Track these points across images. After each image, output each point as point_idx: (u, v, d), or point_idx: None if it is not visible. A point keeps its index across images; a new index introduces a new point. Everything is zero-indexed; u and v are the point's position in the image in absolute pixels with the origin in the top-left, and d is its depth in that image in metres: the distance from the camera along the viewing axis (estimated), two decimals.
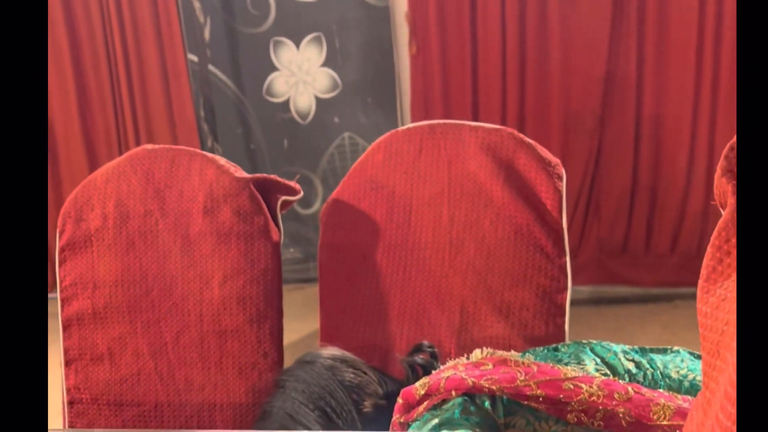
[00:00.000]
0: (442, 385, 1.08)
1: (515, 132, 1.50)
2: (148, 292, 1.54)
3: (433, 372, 1.17)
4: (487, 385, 1.04)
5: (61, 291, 1.56)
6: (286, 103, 3.69)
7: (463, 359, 1.15)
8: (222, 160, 1.56)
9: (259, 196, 1.53)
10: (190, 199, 1.53)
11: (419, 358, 1.33)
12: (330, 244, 1.59)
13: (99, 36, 3.71)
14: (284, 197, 1.56)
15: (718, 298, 0.78)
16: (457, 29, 3.35)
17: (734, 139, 0.74)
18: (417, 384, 1.12)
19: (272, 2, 3.53)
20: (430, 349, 1.35)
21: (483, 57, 3.37)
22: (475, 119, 3.43)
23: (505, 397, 1.06)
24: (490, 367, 1.10)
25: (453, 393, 1.07)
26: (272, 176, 1.56)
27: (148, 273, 1.54)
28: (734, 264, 0.76)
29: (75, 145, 3.83)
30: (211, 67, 3.64)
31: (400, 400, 1.14)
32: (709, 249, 0.80)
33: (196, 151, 1.57)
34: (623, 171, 3.37)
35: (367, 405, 1.25)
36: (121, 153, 3.81)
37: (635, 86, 3.27)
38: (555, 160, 1.50)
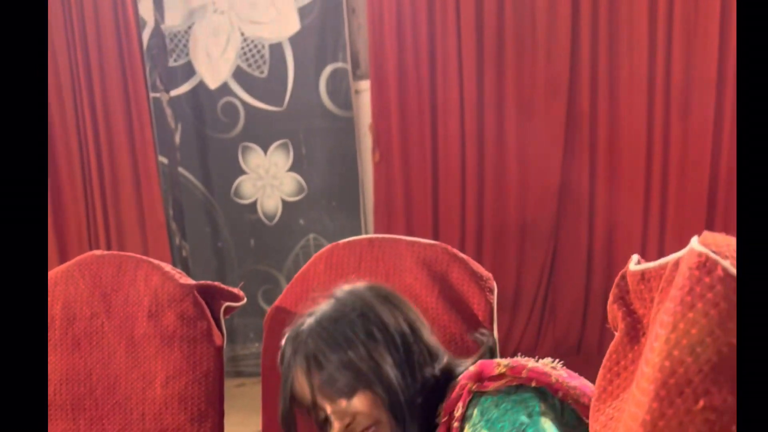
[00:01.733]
0: (525, 371, 1.12)
1: (449, 247, 1.59)
2: (92, 390, 1.59)
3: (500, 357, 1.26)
4: (569, 387, 1.10)
5: None
6: (254, 204, 3.80)
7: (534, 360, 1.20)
8: (167, 267, 1.63)
9: (203, 302, 1.60)
10: (136, 303, 1.59)
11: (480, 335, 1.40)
12: (273, 348, 1.64)
13: (73, 137, 3.85)
14: (227, 303, 1.62)
15: (606, 417, 0.84)
16: (419, 140, 3.50)
17: (626, 268, 0.81)
18: (499, 360, 1.17)
19: (241, 110, 3.68)
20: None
21: (443, 167, 3.51)
22: (435, 226, 3.55)
23: (570, 407, 1.10)
24: (564, 375, 1.14)
25: (533, 383, 1.11)
26: (216, 283, 1.63)
27: (92, 372, 1.59)
28: (623, 384, 0.82)
29: (48, 241, 3.90)
30: (181, 169, 3.76)
31: (472, 368, 1.18)
32: (600, 370, 0.86)
33: (143, 258, 1.64)
34: (577, 276, 3.48)
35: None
36: (91, 250, 3.91)
37: (588, 198, 3.42)
38: (487, 274, 1.58)
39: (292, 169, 3.71)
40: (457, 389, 1.17)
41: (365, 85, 3.57)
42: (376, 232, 3.66)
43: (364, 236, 1.63)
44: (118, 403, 1.58)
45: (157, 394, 1.56)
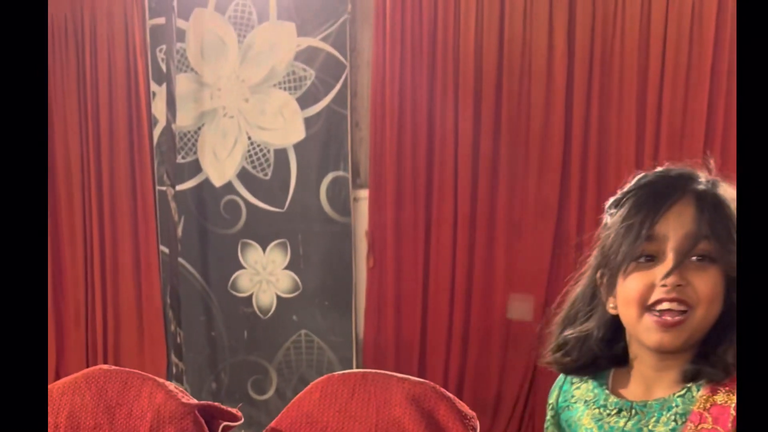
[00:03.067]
0: None
1: (437, 387, 1.71)
2: None
3: None
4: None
5: None
6: (249, 298, 3.92)
7: None
8: (171, 386, 1.74)
9: (203, 421, 1.70)
10: (138, 418, 1.69)
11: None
12: None
13: (78, 220, 4.02)
14: (226, 423, 1.72)
15: None
16: (412, 248, 3.64)
17: None
18: None
19: (243, 209, 3.83)
20: None
21: (433, 276, 3.65)
22: (423, 332, 3.67)
23: None
24: None
25: None
26: (216, 404, 1.73)
27: None
28: None
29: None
30: (181, 260, 3.88)
31: None
32: None
33: (148, 376, 1.75)
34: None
35: None
36: (87, 330, 4.02)
37: None
38: (471, 413, 1.70)
39: (288, 267, 3.84)
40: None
41: (364, 194, 3.73)
42: (366, 333, 3.77)
43: (358, 370, 1.75)
44: None
45: None
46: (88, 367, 3.99)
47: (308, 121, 3.71)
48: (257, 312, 3.93)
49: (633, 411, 1.12)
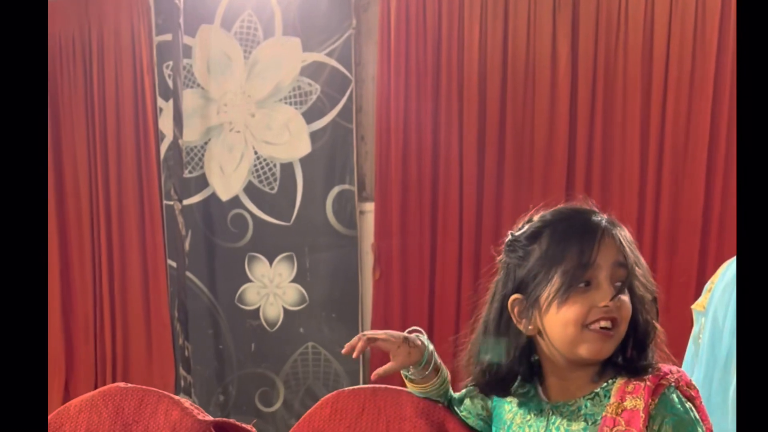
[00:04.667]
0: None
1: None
2: None
3: None
4: None
5: None
6: (257, 311, 3.95)
7: None
8: (187, 403, 1.76)
9: None
10: None
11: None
12: None
13: (86, 235, 4.05)
14: None
15: None
16: (418, 260, 3.68)
17: None
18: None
19: (250, 222, 3.87)
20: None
21: (439, 288, 3.68)
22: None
23: None
24: None
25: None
26: (231, 420, 1.76)
27: None
28: None
29: (53, 329, 4.04)
30: (188, 273, 3.91)
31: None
32: None
33: (164, 394, 1.78)
34: None
35: None
36: (96, 344, 4.05)
37: None
38: None
39: (295, 280, 3.87)
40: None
41: (370, 207, 3.76)
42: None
43: (367, 386, 1.76)
44: None
45: None
46: (96, 381, 4.05)
47: (314, 136, 3.75)
48: (264, 325, 3.96)
49: (550, 412, 1.30)
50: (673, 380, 1.22)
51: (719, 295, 1.92)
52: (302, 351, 3.94)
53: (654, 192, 3.41)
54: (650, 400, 1.19)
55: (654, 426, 1.18)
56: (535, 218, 1.32)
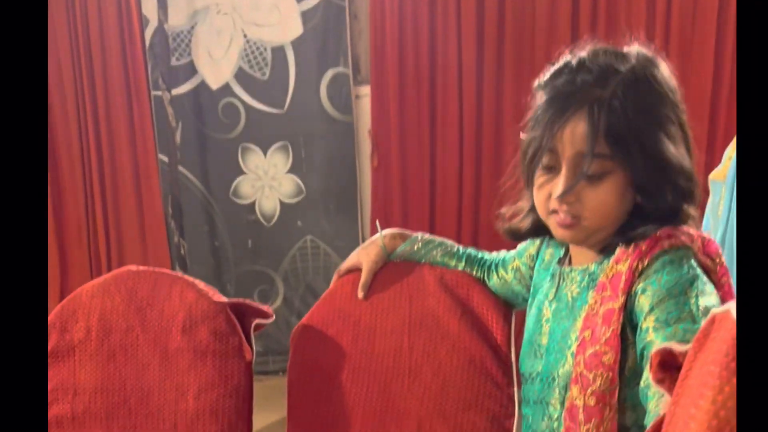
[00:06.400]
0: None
1: (469, 274, 1.66)
2: (126, 400, 1.64)
3: None
4: None
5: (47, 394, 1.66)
6: (252, 205, 3.85)
7: None
8: (201, 284, 1.68)
9: (235, 319, 1.65)
10: (170, 318, 1.64)
11: None
12: (299, 364, 1.71)
13: (74, 132, 3.88)
14: (257, 320, 1.68)
15: None
16: (417, 145, 3.56)
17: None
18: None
19: (242, 111, 3.72)
20: None
21: (441, 173, 3.58)
22: (432, 230, 3.61)
23: None
24: None
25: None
26: (247, 301, 1.68)
27: (126, 383, 1.64)
28: None
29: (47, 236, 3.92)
30: (180, 168, 3.79)
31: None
32: None
33: (178, 275, 1.69)
34: None
35: None
36: (90, 244, 3.95)
37: None
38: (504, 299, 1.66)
39: (291, 171, 3.76)
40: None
41: (365, 90, 3.62)
42: (372, 235, 3.71)
43: (389, 262, 1.69)
44: (150, 413, 1.63)
45: (190, 407, 1.62)
46: None
47: (305, 15, 3.57)
48: (261, 219, 3.86)
49: (561, 276, 1.26)
50: (679, 243, 1.09)
51: None
52: (300, 246, 3.86)
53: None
54: (637, 263, 1.09)
55: (634, 289, 1.08)
56: (560, 62, 1.15)
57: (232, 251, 3.93)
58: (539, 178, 1.16)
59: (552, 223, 1.17)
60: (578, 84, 1.09)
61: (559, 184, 1.11)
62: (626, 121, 1.06)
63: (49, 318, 1.69)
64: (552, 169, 1.13)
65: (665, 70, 1.12)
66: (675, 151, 1.09)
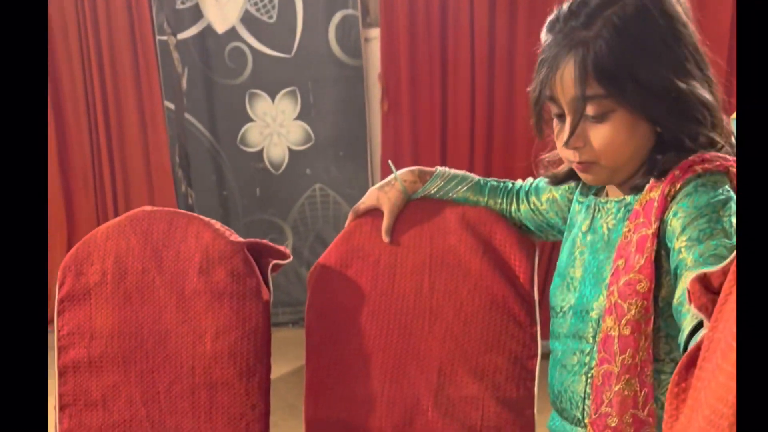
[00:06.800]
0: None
1: (492, 210, 1.62)
2: (143, 343, 1.62)
3: None
4: None
5: (59, 339, 1.64)
6: (260, 153, 3.80)
7: None
8: (218, 225, 1.65)
9: (252, 259, 1.62)
10: (187, 259, 1.61)
11: None
12: (317, 305, 1.69)
13: (78, 79, 3.82)
14: (275, 261, 1.65)
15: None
16: (428, 90, 3.50)
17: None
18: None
19: (249, 56, 3.65)
20: None
21: (452, 116, 3.52)
22: None
23: None
24: None
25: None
26: (264, 241, 1.65)
27: (143, 326, 1.62)
28: (681, 406, 0.85)
29: (52, 183, 3.89)
30: (187, 115, 3.73)
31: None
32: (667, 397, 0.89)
33: (194, 215, 1.66)
34: None
35: None
36: (97, 195, 3.91)
37: None
38: (529, 239, 1.62)
39: (299, 117, 3.70)
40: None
41: (375, 33, 3.55)
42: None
43: (410, 201, 1.66)
44: (168, 356, 1.61)
45: (207, 349, 1.60)
46: None
47: None
48: (269, 167, 3.82)
49: (596, 208, 1.25)
50: (713, 168, 1.07)
51: None
52: (309, 194, 3.82)
53: None
54: (669, 188, 1.08)
55: (667, 214, 1.07)
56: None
57: (241, 200, 3.89)
58: (555, 127, 1.17)
59: (575, 167, 1.18)
60: (567, 30, 1.09)
61: (564, 131, 1.12)
62: (614, 59, 1.05)
63: (63, 261, 1.66)
64: (562, 117, 1.13)
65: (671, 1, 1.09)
66: (682, 80, 1.07)
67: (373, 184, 3.62)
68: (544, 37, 1.13)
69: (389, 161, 1.70)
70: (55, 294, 1.65)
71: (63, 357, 1.63)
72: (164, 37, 3.59)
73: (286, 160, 3.78)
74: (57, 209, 3.89)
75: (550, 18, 1.14)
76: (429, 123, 3.55)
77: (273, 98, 3.70)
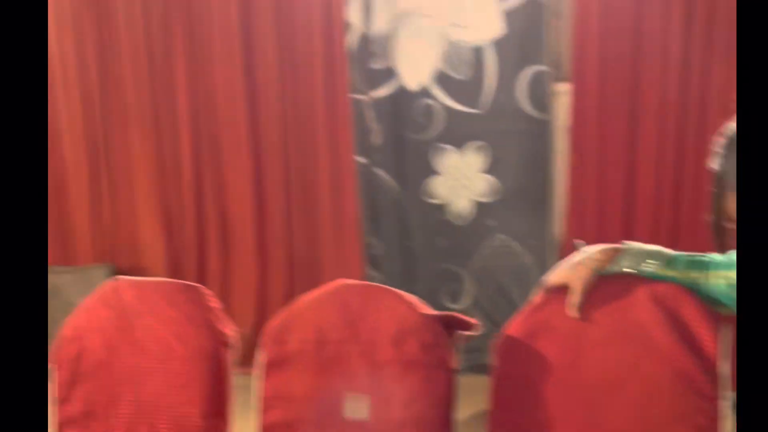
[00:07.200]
0: None
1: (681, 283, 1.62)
2: (337, 409, 1.74)
3: None
4: None
5: (263, 401, 1.79)
6: (445, 204, 3.87)
7: None
8: (408, 296, 1.75)
9: (443, 331, 1.71)
10: (381, 330, 1.72)
11: None
12: (503, 374, 1.74)
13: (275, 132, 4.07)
14: (462, 332, 1.73)
15: None
16: (618, 146, 3.47)
17: None
18: None
19: (439, 112, 3.73)
20: None
21: (642, 173, 3.47)
22: (628, 235, 3.50)
23: None
24: None
25: None
26: (454, 314, 1.73)
27: (338, 393, 1.75)
28: None
29: (245, 233, 4.20)
30: (376, 169, 3.89)
31: None
32: None
33: (388, 288, 1.77)
34: None
35: None
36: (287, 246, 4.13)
37: None
38: (714, 313, 1.61)
39: (485, 170, 3.75)
40: None
41: (563, 87, 3.56)
42: (567, 236, 3.64)
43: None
44: (359, 422, 1.73)
45: (395, 416, 1.70)
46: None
47: (507, 15, 3.54)
48: (452, 219, 3.88)
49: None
50: None
51: None
52: (492, 245, 3.84)
53: None
54: None
55: None
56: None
57: (423, 250, 3.96)
58: None
59: None
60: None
61: None
62: None
63: (267, 329, 1.82)
64: None
65: None
66: None
67: (554, 237, 3.64)
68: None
69: (577, 241, 1.73)
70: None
71: (266, 418, 1.78)
72: (359, 96, 3.78)
73: (470, 212, 3.83)
74: (249, 262, 4.16)
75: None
76: (615, 177, 3.51)
77: (461, 152, 3.77)
